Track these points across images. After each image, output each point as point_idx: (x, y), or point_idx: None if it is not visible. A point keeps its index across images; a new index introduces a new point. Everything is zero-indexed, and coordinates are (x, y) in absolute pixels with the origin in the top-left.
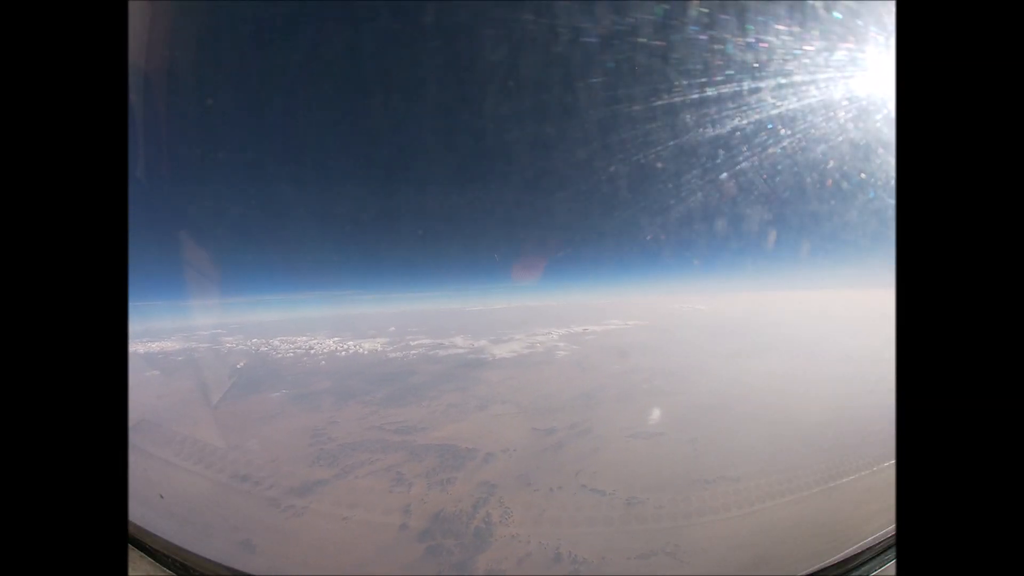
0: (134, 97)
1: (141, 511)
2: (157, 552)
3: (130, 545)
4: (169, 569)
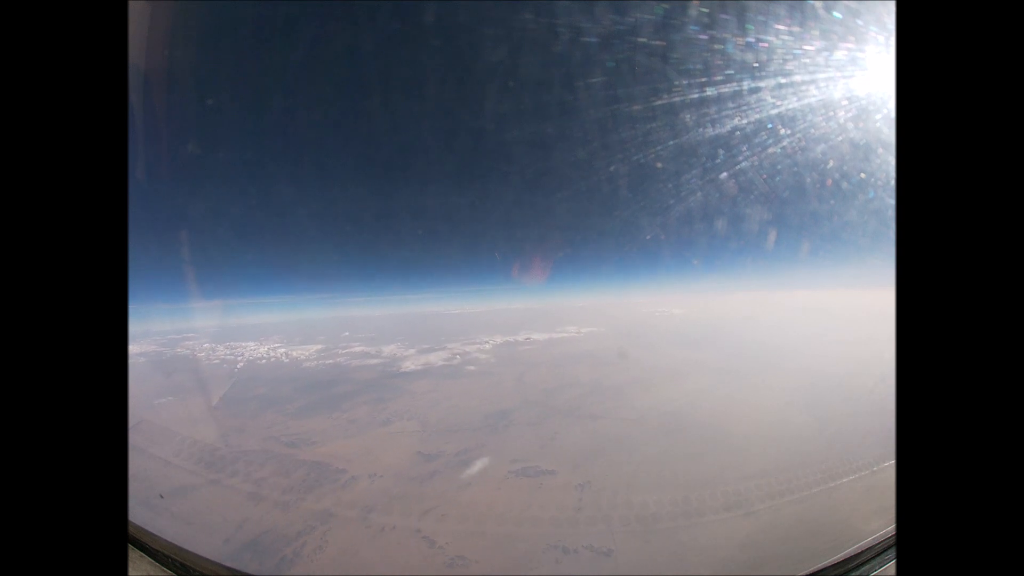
0: (134, 97)
1: (141, 511)
2: (157, 552)
3: (130, 545)
4: (169, 569)
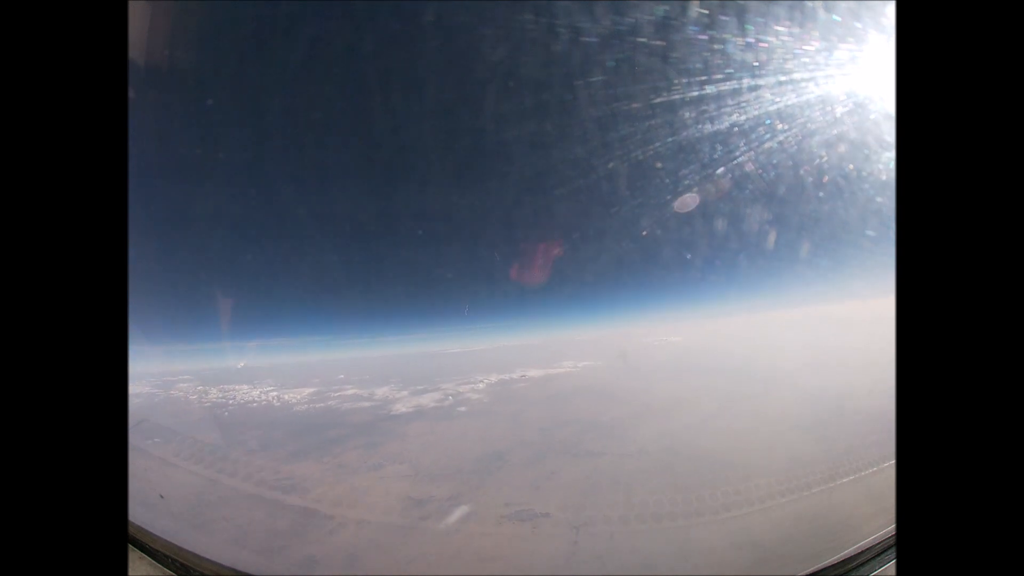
0: (134, 97)
1: (141, 511)
2: (157, 552)
3: (130, 545)
4: (169, 569)
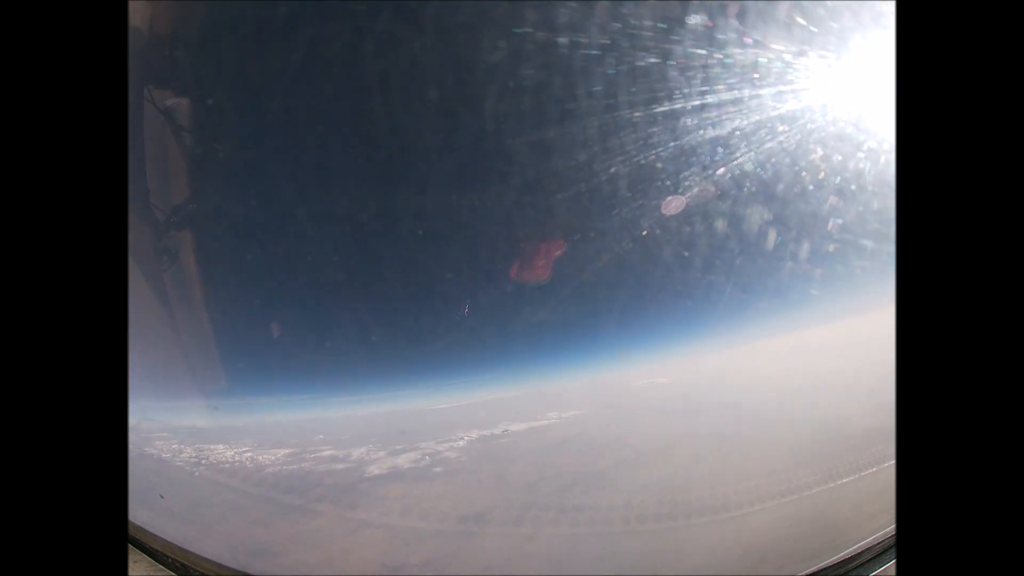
0: (134, 97)
1: (141, 511)
2: (157, 552)
3: (130, 545)
4: (169, 569)
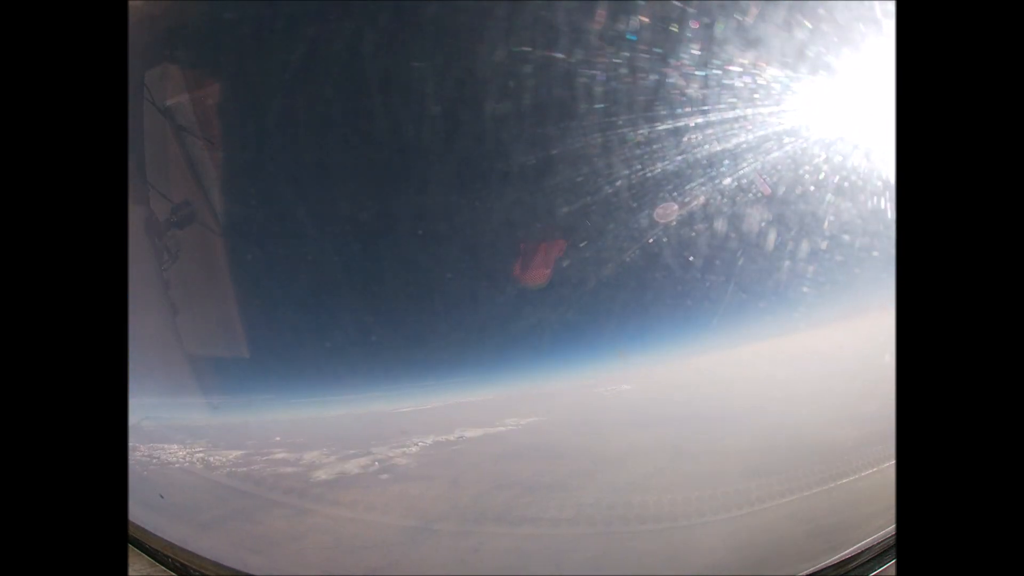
0: (134, 97)
1: (141, 511)
2: (157, 552)
3: (130, 545)
4: (169, 569)
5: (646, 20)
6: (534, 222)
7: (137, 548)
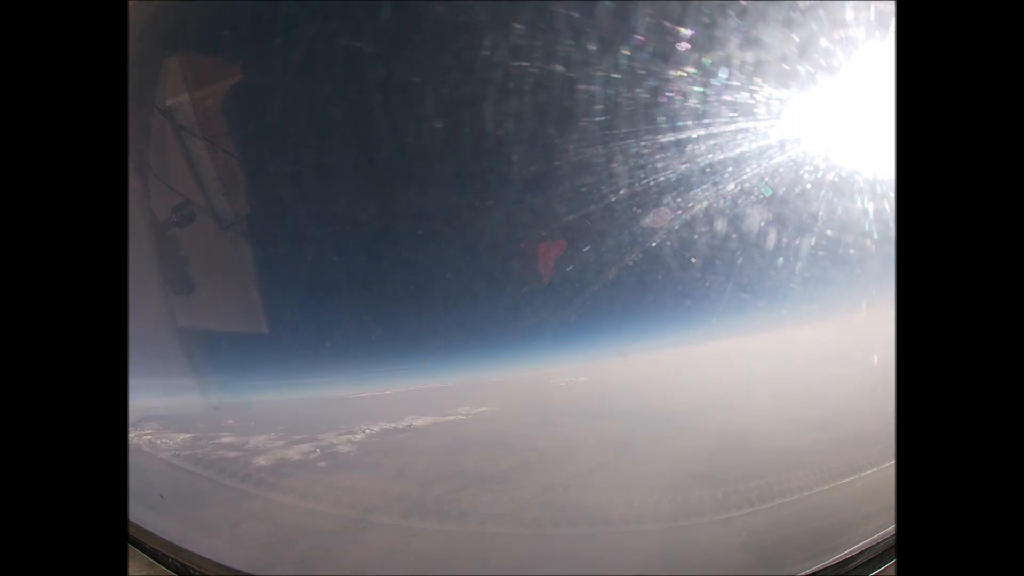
0: (134, 97)
1: (141, 511)
2: (157, 552)
3: (130, 545)
4: (169, 569)
5: (647, 20)
6: (497, 213)
7: (137, 548)
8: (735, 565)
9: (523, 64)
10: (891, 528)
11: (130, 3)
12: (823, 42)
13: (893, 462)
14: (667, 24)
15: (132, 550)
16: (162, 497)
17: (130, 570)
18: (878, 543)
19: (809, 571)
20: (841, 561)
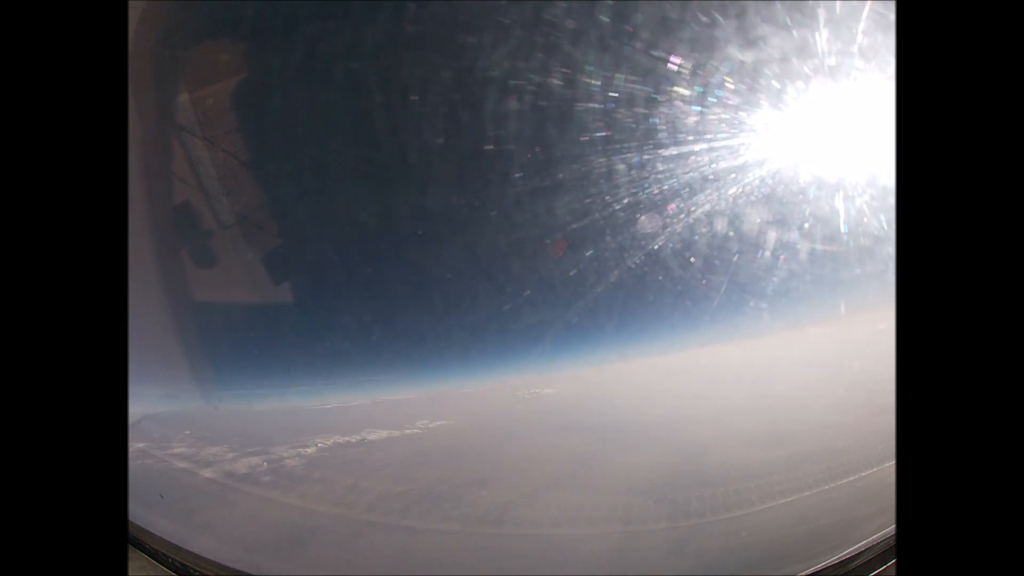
0: (134, 97)
1: (141, 511)
2: (157, 552)
3: (130, 545)
4: (169, 569)
5: (649, 20)
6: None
7: (137, 548)
8: (735, 565)
9: (526, 64)
10: (891, 528)
11: (130, 3)
12: (823, 42)
13: (893, 462)
14: (668, 24)
15: (132, 550)
16: (162, 497)
17: (130, 570)
18: (878, 543)
19: (809, 571)
20: (841, 561)
